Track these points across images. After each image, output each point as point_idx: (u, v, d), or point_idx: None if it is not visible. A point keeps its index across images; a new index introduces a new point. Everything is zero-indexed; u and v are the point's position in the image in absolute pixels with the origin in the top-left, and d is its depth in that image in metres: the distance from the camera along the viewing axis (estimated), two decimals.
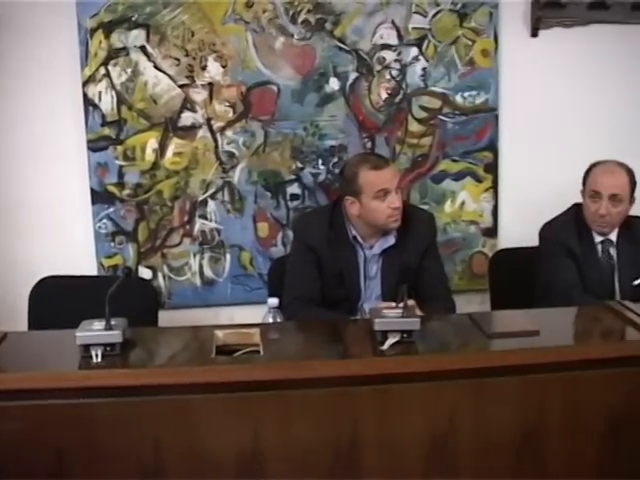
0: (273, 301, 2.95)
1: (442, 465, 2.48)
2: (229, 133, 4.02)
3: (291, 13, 3.98)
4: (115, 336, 2.45)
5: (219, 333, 2.64)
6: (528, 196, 4.25)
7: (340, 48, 4.05)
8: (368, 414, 2.42)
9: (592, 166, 3.59)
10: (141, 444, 2.36)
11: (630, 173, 3.53)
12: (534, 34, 4.26)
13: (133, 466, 2.37)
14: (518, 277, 3.77)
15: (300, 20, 4.00)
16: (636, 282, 3.60)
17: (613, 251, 3.60)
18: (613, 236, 3.59)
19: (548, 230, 3.61)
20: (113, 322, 2.48)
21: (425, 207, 4.06)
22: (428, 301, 3.19)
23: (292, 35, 4.00)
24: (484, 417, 2.48)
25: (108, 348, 2.45)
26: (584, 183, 3.59)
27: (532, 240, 3.71)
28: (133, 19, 3.85)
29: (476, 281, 4.30)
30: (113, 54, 3.87)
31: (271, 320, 2.92)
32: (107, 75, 3.88)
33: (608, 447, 2.56)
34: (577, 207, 3.63)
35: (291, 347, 2.71)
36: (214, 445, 2.38)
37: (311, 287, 3.29)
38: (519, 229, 4.08)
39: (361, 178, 3.24)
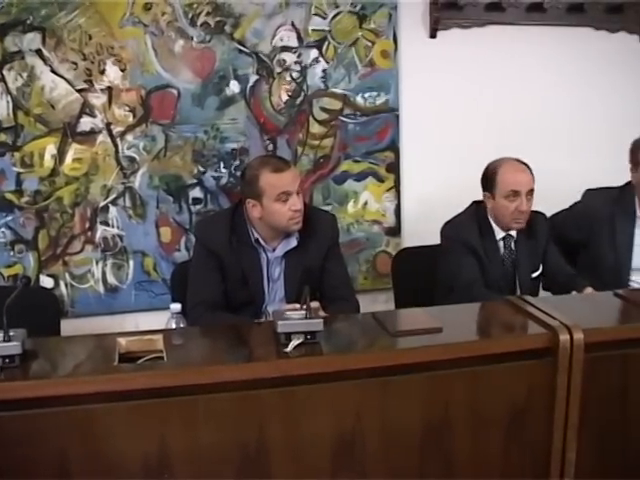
0: (175, 306, 2.93)
1: (349, 465, 2.48)
2: (129, 138, 3.97)
3: (190, 16, 3.96)
4: (13, 347, 2.38)
5: (122, 340, 2.60)
6: (430, 195, 4.32)
7: (240, 51, 4.05)
8: (274, 417, 2.41)
9: (496, 167, 3.62)
10: (46, 457, 2.30)
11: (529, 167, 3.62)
12: (433, 35, 4.34)
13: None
14: (422, 275, 3.81)
15: (199, 23, 3.98)
16: (534, 275, 3.71)
17: (514, 246, 3.68)
18: (514, 232, 3.67)
19: (449, 228, 3.66)
20: (12, 333, 2.42)
21: (328, 208, 4.11)
22: (332, 302, 3.23)
23: (191, 38, 3.98)
24: (390, 415, 2.49)
25: (7, 360, 2.38)
26: (491, 185, 3.61)
27: (435, 238, 3.75)
28: (28, 22, 3.77)
29: (381, 280, 4.35)
30: (8, 58, 3.78)
31: (174, 326, 2.89)
32: (2, 80, 3.79)
33: (511, 439, 2.60)
34: (477, 205, 3.70)
35: (195, 352, 2.68)
36: (120, 453, 2.34)
37: (214, 291, 3.27)
38: (422, 228, 4.13)
39: (262, 181, 3.22)
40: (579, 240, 3.97)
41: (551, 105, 4.59)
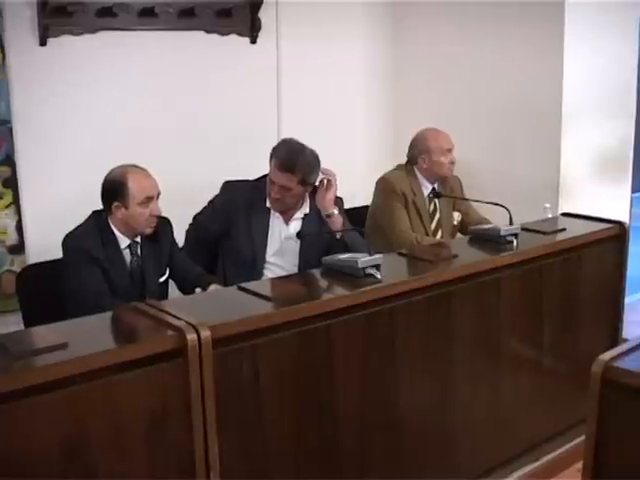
0: None
1: None
2: None
3: None
4: None
5: None
6: (54, 208, 4.21)
7: None
8: None
9: (122, 176, 3.57)
10: None
11: None
12: (43, 42, 4.21)
13: None
14: (51, 291, 3.67)
15: None
16: (161, 279, 3.75)
17: (140, 253, 3.68)
18: (138, 238, 3.67)
19: (70, 240, 3.57)
20: None
21: None
22: None
23: None
24: (24, 441, 2.36)
25: None
26: (123, 194, 3.55)
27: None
28: None
29: (9, 302, 4.15)
30: None
31: None
32: None
33: (154, 445, 2.58)
34: (98, 214, 3.64)
35: None
36: None
37: None
38: (48, 242, 3.96)
39: None
40: (220, 231, 4.07)
41: (168, 108, 4.64)
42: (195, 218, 4.17)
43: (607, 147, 5.23)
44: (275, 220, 4.07)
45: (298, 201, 4.06)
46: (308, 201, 4.10)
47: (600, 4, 4.93)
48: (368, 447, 3.19)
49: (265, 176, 4.07)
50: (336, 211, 4.01)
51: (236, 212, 4.02)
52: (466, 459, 3.59)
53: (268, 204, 4.05)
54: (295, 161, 3.93)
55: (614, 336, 4.23)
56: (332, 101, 5.37)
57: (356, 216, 4.46)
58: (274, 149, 4.02)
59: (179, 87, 4.70)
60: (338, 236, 3.94)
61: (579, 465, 2.51)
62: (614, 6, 5.05)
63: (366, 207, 4.63)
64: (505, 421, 3.72)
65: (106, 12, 4.37)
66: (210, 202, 4.13)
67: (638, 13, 5.25)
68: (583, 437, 2.43)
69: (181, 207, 4.01)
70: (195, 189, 4.26)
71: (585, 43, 4.91)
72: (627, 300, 4.52)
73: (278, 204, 4.01)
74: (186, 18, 4.67)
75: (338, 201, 4.11)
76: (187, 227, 4.16)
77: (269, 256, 4.06)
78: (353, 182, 4.90)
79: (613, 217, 4.33)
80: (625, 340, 3.75)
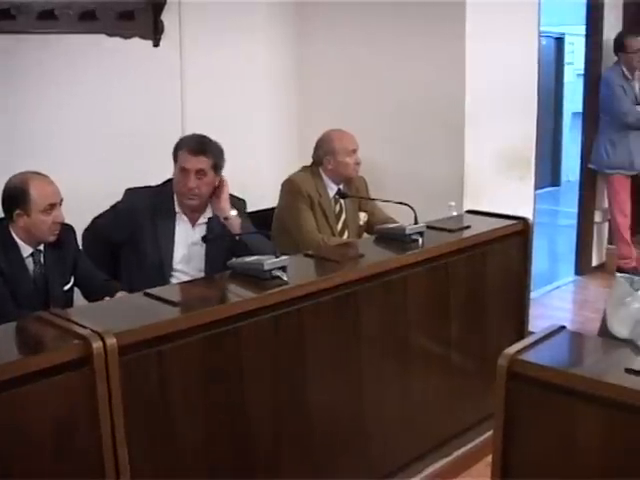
0: None
1: None
2: None
3: None
4: None
5: None
6: None
7: None
8: None
9: (23, 183, 3.49)
10: None
11: None
12: None
13: None
14: None
15: None
16: (66, 287, 3.69)
17: (44, 261, 3.61)
18: (41, 246, 3.60)
19: None
20: None
21: None
22: None
23: None
24: None
25: None
26: (24, 202, 3.48)
27: None
28: None
29: None
30: None
31: None
32: None
33: (63, 453, 2.52)
34: None
35: None
36: None
37: None
38: None
39: None
40: (123, 239, 4.00)
41: (70, 113, 4.56)
42: (94, 222, 4.07)
43: (510, 145, 5.34)
44: (181, 224, 4.02)
45: (206, 200, 4.02)
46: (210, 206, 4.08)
47: (501, 5, 5.03)
48: (280, 448, 3.19)
49: (169, 180, 4.03)
50: (234, 213, 3.98)
51: (141, 218, 3.96)
52: (377, 458, 3.61)
53: (177, 208, 4.01)
54: (206, 145, 3.96)
55: (520, 330, 4.30)
56: (236, 103, 5.35)
57: (263, 218, 4.46)
58: (179, 142, 4.02)
59: (81, 91, 4.60)
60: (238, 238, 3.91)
61: (489, 459, 2.55)
62: (515, 7, 5.15)
63: (273, 209, 4.63)
64: (415, 418, 3.76)
65: (3, 14, 4.23)
66: (112, 207, 4.04)
67: (538, 14, 5.38)
68: (492, 431, 2.48)
69: (84, 213, 3.96)
70: (98, 195, 4.17)
71: (486, 43, 5.00)
72: (532, 294, 4.62)
73: (192, 197, 3.96)
74: (87, 21, 4.56)
75: (240, 203, 4.10)
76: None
77: (176, 263, 4.01)
78: (260, 184, 4.91)
79: (518, 214, 4.41)
80: (531, 334, 3.83)
